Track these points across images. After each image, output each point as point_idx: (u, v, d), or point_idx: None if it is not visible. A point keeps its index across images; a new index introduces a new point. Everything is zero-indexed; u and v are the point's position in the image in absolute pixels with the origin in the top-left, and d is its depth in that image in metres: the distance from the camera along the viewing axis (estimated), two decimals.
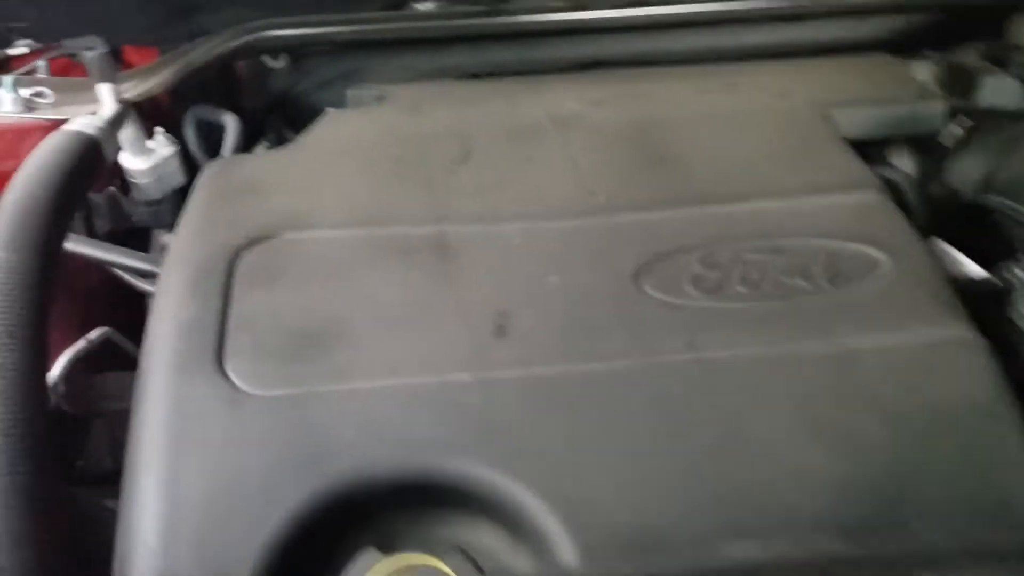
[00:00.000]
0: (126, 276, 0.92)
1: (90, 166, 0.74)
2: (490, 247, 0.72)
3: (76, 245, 0.84)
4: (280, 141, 1.07)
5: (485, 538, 0.59)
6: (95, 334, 0.96)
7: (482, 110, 0.91)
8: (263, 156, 0.88)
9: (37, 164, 0.69)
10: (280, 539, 0.56)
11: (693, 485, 0.58)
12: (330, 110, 0.95)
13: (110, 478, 0.84)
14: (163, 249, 0.86)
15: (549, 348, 0.64)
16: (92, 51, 0.84)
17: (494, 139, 0.84)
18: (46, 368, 0.66)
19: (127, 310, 1.03)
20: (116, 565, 0.57)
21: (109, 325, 0.97)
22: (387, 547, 0.58)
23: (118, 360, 0.99)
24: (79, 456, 0.83)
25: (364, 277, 0.69)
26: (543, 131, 0.86)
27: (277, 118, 1.10)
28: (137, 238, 1.03)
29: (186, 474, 0.58)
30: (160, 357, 0.64)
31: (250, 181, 0.79)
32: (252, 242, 0.71)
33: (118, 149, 0.85)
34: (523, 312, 0.67)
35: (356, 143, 0.85)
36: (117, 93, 0.86)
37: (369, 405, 0.61)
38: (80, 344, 0.94)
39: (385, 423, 0.60)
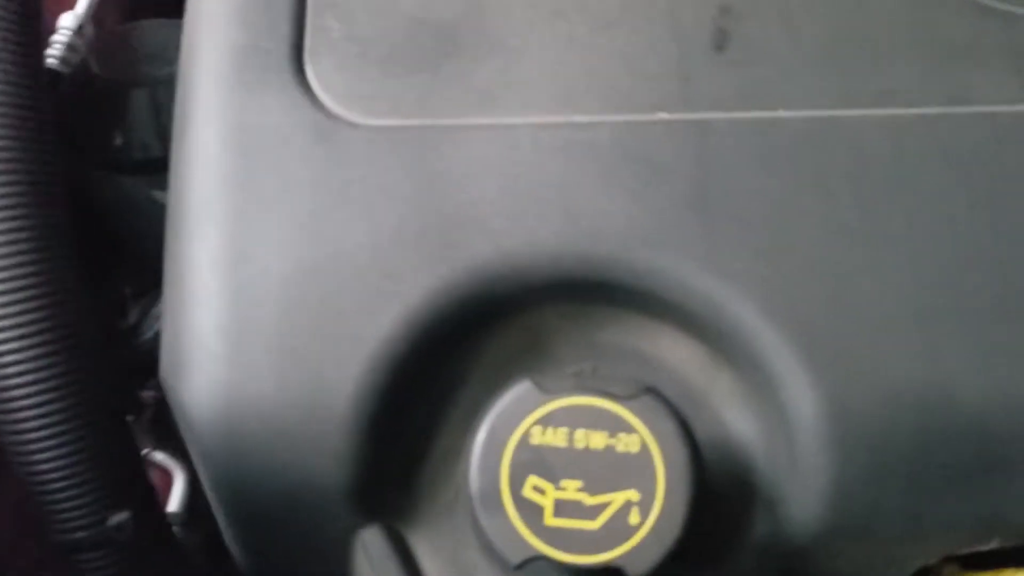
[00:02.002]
0: None
1: None
2: None
3: None
4: None
5: (674, 356, 0.41)
6: None
7: None
8: None
9: None
10: (393, 347, 0.39)
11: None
12: None
13: (157, 165, 0.65)
14: None
15: (801, 74, 0.41)
16: None
17: None
18: None
19: None
20: (163, 368, 0.41)
21: None
22: (536, 354, 0.41)
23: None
24: (117, 135, 0.64)
25: None
26: None
27: None
28: None
29: (258, 248, 0.40)
30: (207, 55, 0.42)
31: None
32: None
33: None
34: (759, 6, 0.43)
35: None
36: None
37: (528, 155, 0.40)
38: None
39: (550, 185, 0.40)
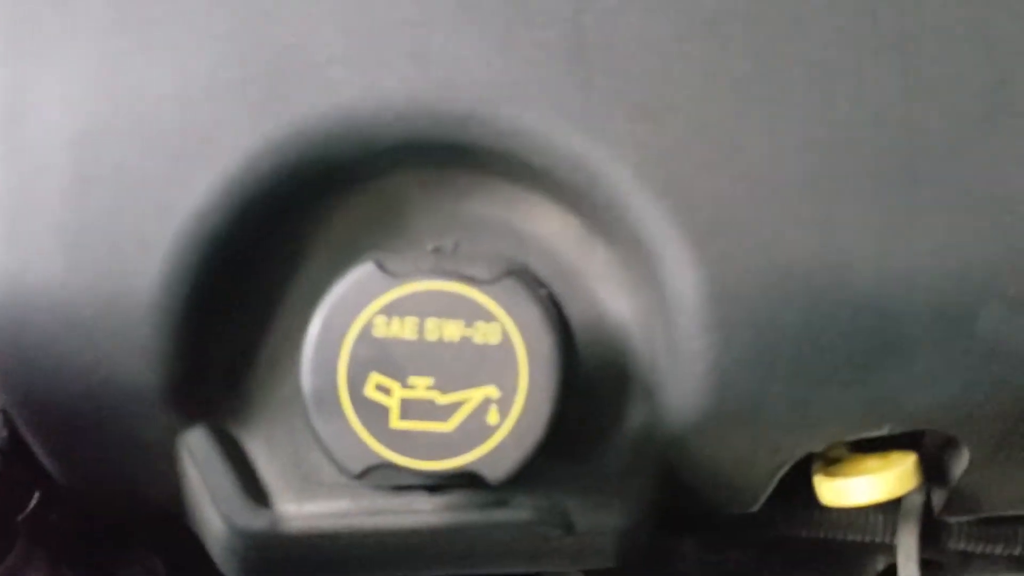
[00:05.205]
0: None
1: None
2: None
3: None
4: None
5: (545, 229, 0.36)
6: None
7: None
8: None
9: None
10: (209, 220, 0.32)
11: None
12: None
13: None
14: None
15: None
16: None
17: None
18: None
19: None
20: None
21: None
22: (390, 229, 0.36)
23: None
24: None
25: None
26: None
27: None
28: None
29: (40, 101, 0.32)
30: None
31: None
32: None
33: None
34: None
35: None
36: None
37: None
38: None
39: (397, 24, 0.33)
